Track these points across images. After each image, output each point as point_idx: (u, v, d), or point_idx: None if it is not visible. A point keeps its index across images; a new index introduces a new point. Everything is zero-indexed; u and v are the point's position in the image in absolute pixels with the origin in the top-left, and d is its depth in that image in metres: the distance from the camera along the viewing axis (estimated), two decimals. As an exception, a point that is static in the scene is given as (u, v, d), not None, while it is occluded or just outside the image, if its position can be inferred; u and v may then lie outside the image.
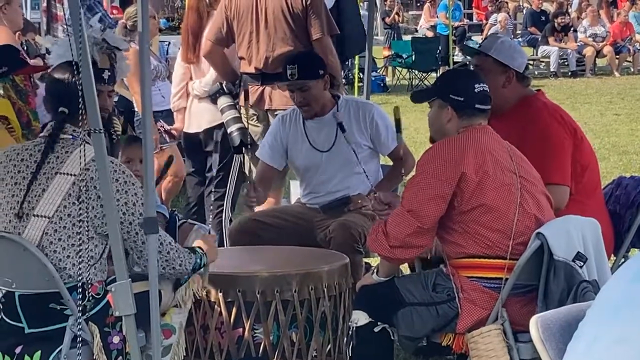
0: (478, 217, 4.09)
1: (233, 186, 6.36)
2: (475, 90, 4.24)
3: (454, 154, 4.12)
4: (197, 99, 6.67)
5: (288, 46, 5.96)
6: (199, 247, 4.10)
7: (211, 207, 6.71)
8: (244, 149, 6.05)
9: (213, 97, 6.25)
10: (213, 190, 6.70)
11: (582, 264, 4.03)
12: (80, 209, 3.81)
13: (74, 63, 3.73)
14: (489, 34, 21.07)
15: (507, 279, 4.06)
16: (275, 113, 5.86)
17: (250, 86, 6.07)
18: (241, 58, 6.14)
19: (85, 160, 3.82)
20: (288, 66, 5.38)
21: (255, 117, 6.13)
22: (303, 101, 5.38)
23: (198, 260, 4.03)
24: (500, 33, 20.93)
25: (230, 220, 6.20)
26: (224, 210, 6.33)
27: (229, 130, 6.14)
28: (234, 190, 6.39)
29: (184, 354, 4.11)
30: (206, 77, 6.59)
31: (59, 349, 3.78)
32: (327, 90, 5.44)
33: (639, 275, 1.86)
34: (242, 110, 6.12)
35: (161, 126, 7.23)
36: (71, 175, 3.85)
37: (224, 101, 6.20)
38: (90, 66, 3.64)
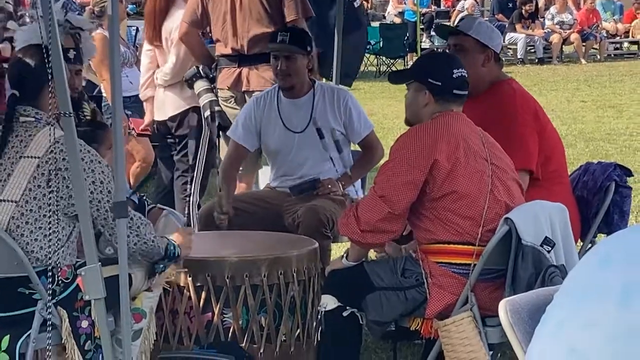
0: (449, 204, 4.11)
1: (201, 171, 6.34)
2: (454, 75, 4.25)
3: (426, 140, 4.13)
4: (160, 87, 6.66)
5: (264, 27, 5.96)
6: (173, 239, 4.09)
7: (179, 192, 6.70)
8: (221, 132, 6.03)
9: (190, 82, 6.22)
10: (180, 174, 6.68)
11: (550, 248, 4.05)
12: (48, 191, 3.79)
13: (43, 47, 3.71)
14: (457, 20, 21.09)
15: (475, 265, 4.09)
16: (254, 95, 5.83)
17: (226, 69, 6.06)
18: (217, 40, 6.13)
19: (51, 141, 3.80)
20: (280, 33, 5.41)
21: (232, 99, 6.11)
22: (285, 70, 5.36)
23: (171, 248, 4.02)
24: (467, 20, 20.93)
25: (199, 206, 6.17)
26: (192, 195, 6.30)
27: (206, 114, 6.11)
28: (202, 174, 6.37)
29: (154, 339, 4.11)
30: (165, 66, 6.57)
31: (27, 333, 3.75)
32: (307, 72, 5.44)
33: (605, 260, 1.88)
34: (219, 94, 6.11)
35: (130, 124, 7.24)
36: (35, 158, 3.83)
37: (200, 85, 6.17)
38: (60, 49, 3.62)
